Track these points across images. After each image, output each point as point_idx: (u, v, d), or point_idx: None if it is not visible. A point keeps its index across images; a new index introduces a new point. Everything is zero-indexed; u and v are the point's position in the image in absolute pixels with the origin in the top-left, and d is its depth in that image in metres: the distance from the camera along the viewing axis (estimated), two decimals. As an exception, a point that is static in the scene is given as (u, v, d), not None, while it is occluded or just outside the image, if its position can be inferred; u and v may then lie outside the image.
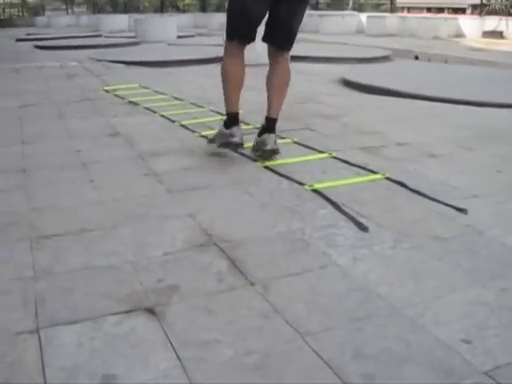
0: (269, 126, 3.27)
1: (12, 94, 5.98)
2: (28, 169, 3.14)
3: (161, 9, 30.00)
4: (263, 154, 3.19)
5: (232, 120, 3.20)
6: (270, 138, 3.18)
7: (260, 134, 3.27)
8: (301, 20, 3.21)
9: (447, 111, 4.88)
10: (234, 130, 3.14)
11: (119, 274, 1.89)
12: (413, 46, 12.18)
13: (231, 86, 3.22)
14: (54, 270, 1.94)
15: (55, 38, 16.99)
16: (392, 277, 1.86)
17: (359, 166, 3.05)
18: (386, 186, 2.77)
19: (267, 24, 3.21)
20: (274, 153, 3.17)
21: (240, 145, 3.17)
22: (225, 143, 3.18)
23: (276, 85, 3.31)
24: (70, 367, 1.43)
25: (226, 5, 3.31)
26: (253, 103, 4.78)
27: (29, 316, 1.66)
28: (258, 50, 7.89)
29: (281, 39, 3.23)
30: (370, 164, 3.10)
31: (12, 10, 46.59)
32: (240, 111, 3.27)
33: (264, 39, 3.24)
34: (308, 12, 18.53)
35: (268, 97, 3.34)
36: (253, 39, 3.19)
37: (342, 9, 25.99)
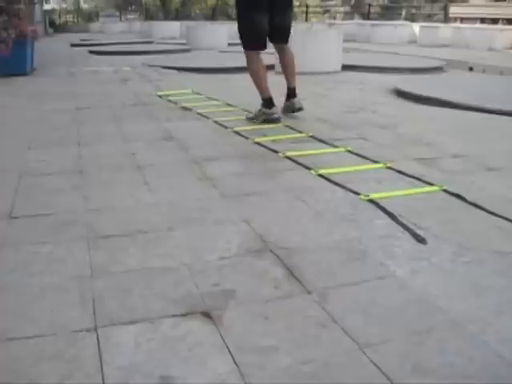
0: (292, 92, 4.64)
1: (68, 96, 6.13)
2: (84, 170, 3.20)
3: (212, 16, 30.30)
4: (295, 110, 4.60)
5: (271, 102, 4.42)
6: (296, 100, 4.61)
7: (288, 100, 4.64)
8: (290, 19, 4.58)
9: (504, 124, 4.76)
10: (275, 109, 4.42)
11: (175, 277, 1.90)
12: (467, 56, 11.94)
13: (262, 80, 4.44)
14: (111, 269, 1.96)
15: (109, 43, 17.36)
16: (452, 290, 1.82)
17: (415, 177, 2.99)
18: (443, 198, 2.71)
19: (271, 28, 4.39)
20: (301, 109, 4.60)
21: (279, 119, 4.41)
22: (270, 119, 4.38)
23: (287, 64, 4.65)
24: (127, 367, 1.43)
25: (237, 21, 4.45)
26: (305, 113, 4.77)
27: (87, 314, 1.68)
28: (310, 58, 7.94)
29: (281, 38, 4.54)
30: (426, 175, 3.04)
31: (67, 16, 47.95)
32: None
33: (269, 40, 4.46)
34: (359, 22, 18.56)
35: (285, 74, 4.67)
36: (265, 47, 4.41)
37: (394, 19, 25.75)
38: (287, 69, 4.64)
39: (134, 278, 1.90)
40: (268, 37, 4.42)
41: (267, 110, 4.40)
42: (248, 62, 4.43)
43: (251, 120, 4.48)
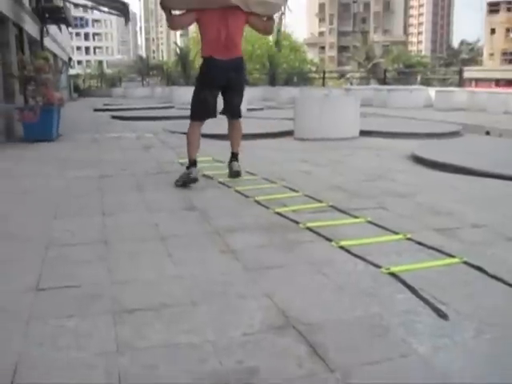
0: (234, 156, 5.25)
1: (92, 163, 6.30)
2: (109, 240, 3.27)
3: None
4: (232, 172, 5.16)
5: (191, 164, 4.91)
6: (235, 164, 5.19)
7: (229, 161, 5.23)
8: (242, 97, 5.18)
9: (522, 191, 4.78)
10: (192, 169, 4.86)
11: (200, 353, 1.92)
12: (483, 120, 12.05)
13: (192, 147, 5.00)
14: (136, 345, 2.00)
15: (131, 108, 17.82)
16: (476, 369, 1.82)
17: (435, 249, 3.02)
18: (463, 271, 2.73)
19: (224, 103, 5.11)
20: (238, 173, 5.15)
21: (195, 179, 4.82)
22: (186, 180, 4.81)
23: (232, 136, 5.31)
24: None
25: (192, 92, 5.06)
26: (324, 181, 4.84)
27: (113, 391, 1.70)
28: (327, 125, 8.09)
29: (228, 114, 5.20)
30: (446, 246, 3.06)
31: (91, 80, 49.50)
32: (198, 158, 5.03)
33: (222, 113, 5.17)
34: (376, 87, 18.79)
35: (231, 141, 5.32)
36: (207, 118, 5.03)
37: (410, 83, 26.17)
38: (232, 139, 5.32)
39: (160, 354, 1.93)
40: (223, 111, 5.17)
41: (185, 171, 4.92)
42: (188, 129, 5.06)
43: (177, 182, 4.88)
